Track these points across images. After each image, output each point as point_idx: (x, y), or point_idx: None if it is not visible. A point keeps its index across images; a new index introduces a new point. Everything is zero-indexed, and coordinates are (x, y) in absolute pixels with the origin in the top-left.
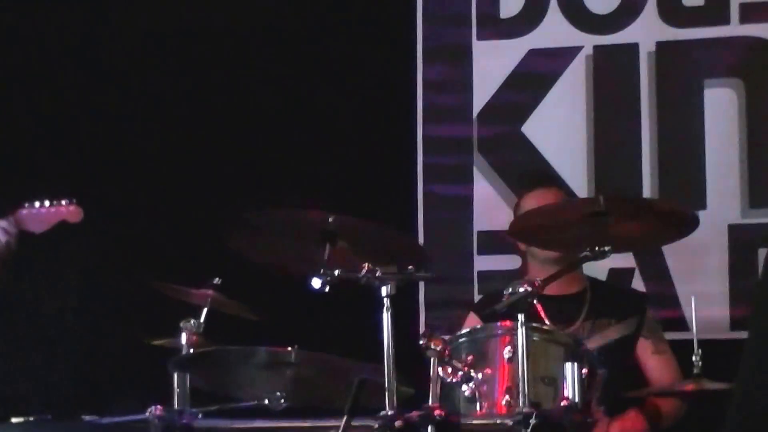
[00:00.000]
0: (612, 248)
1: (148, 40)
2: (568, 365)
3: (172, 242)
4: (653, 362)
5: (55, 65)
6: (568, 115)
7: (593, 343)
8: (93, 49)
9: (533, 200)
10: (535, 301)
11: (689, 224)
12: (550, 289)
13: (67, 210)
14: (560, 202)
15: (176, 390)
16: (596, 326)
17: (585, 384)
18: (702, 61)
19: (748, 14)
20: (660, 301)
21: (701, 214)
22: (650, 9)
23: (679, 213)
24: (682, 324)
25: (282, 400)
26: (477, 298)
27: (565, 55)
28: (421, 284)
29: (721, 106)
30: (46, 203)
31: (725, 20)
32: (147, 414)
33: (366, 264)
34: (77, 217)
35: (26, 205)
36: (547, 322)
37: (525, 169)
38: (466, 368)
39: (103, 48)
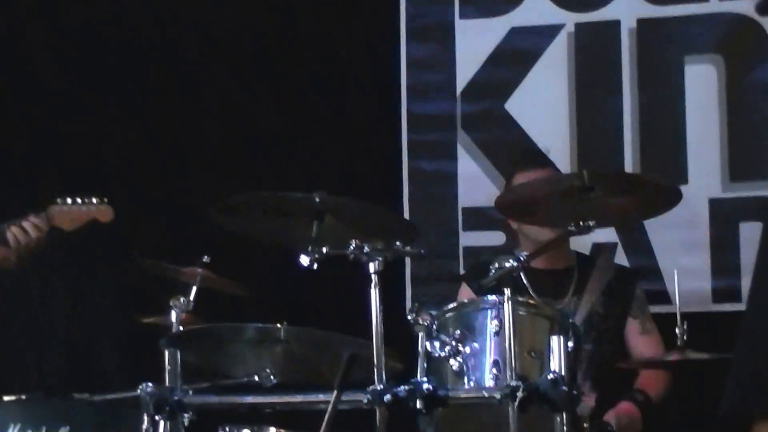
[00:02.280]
0: (596, 223)
1: (138, 28)
2: (554, 338)
3: (161, 221)
4: (640, 342)
5: (46, 51)
6: (550, 92)
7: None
8: (80, 34)
9: (526, 179)
10: (522, 276)
11: (672, 198)
12: (539, 264)
13: (98, 209)
14: (545, 177)
15: (167, 367)
16: (583, 302)
17: (571, 357)
18: (683, 38)
19: None
20: (643, 275)
21: (683, 188)
22: None
23: (662, 187)
24: (664, 297)
25: (272, 376)
26: (463, 272)
27: (547, 32)
28: (407, 260)
29: (701, 82)
30: (78, 200)
31: None
32: (138, 391)
33: (354, 240)
34: (108, 216)
35: (58, 201)
36: (534, 296)
37: (520, 149)
38: (453, 342)
39: (91, 33)
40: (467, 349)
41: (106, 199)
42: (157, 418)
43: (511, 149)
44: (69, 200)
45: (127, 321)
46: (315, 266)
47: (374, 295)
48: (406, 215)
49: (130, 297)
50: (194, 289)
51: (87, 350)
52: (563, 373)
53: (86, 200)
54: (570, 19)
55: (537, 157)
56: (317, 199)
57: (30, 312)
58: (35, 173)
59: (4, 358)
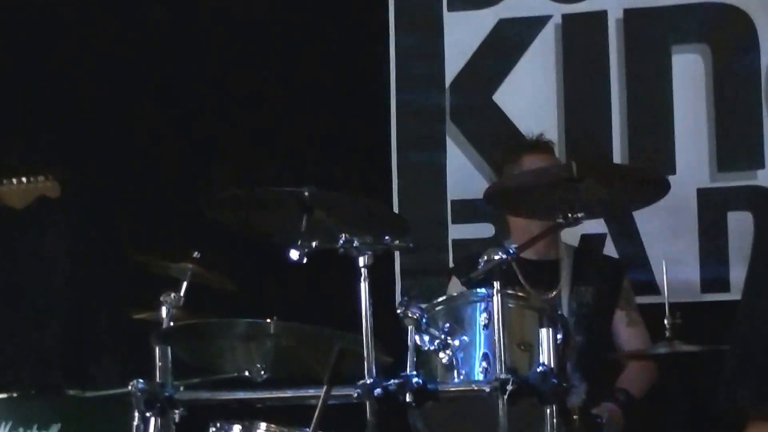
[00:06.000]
0: (585, 214)
1: (131, 19)
2: (543, 331)
3: (152, 216)
4: (627, 334)
5: (38, 39)
6: (538, 83)
7: None
8: (74, 26)
9: (528, 164)
10: (514, 266)
11: (660, 189)
12: (530, 254)
13: (44, 185)
14: (532, 169)
15: (158, 363)
16: (573, 294)
17: (560, 349)
18: (670, 27)
19: None
20: (632, 266)
21: (671, 178)
22: None
23: (650, 178)
24: (653, 288)
25: (263, 371)
26: (452, 266)
27: (535, 23)
28: (397, 253)
29: (688, 72)
30: (24, 179)
31: None
32: (130, 387)
33: (343, 234)
34: (55, 191)
35: (4, 181)
36: (525, 286)
37: (520, 138)
38: (443, 336)
39: (84, 25)
40: (457, 343)
41: (51, 176)
42: (148, 414)
43: (499, 140)
44: (14, 180)
45: (118, 317)
46: (305, 260)
47: (364, 288)
48: (395, 208)
49: (121, 293)
50: (184, 284)
51: (79, 347)
52: (552, 365)
53: (32, 178)
54: (557, 9)
55: (544, 143)
56: (306, 194)
57: (25, 308)
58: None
59: None
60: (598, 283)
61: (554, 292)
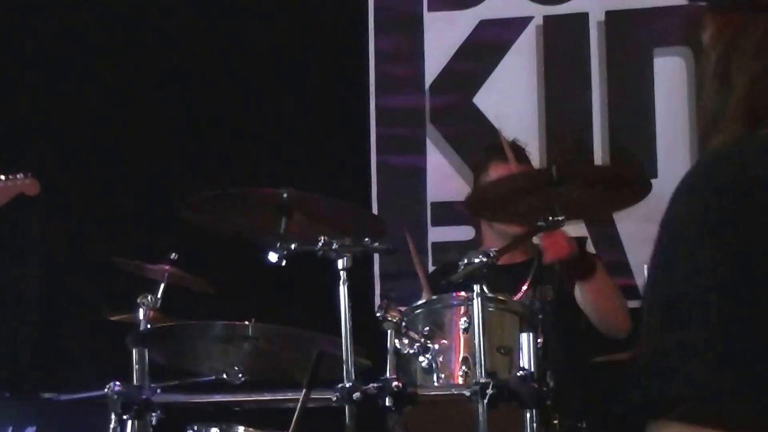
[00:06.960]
0: (565, 217)
1: (109, 20)
2: (523, 335)
3: (128, 218)
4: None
5: (12, 42)
6: (519, 86)
7: None
8: (49, 29)
9: (498, 171)
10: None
11: (641, 190)
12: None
13: (23, 183)
14: (513, 174)
15: (135, 365)
16: (538, 294)
17: (540, 353)
18: (651, 30)
19: None
20: (612, 269)
21: (653, 182)
22: None
23: (630, 178)
24: (634, 292)
25: (240, 374)
26: (432, 269)
27: (516, 25)
28: (376, 256)
29: (670, 75)
30: (2, 177)
31: None
32: (106, 390)
33: (322, 237)
34: (34, 189)
35: None
36: (487, 292)
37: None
38: (422, 339)
39: (58, 27)
40: (436, 346)
41: (30, 173)
42: (124, 417)
43: (479, 143)
44: None
45: (94, 319)
46: (283, 263)
47: (343, 291)
48: (375, 210)
49: (97, 294)
50: (162, 286)
51: (55, 349)
52: (532, 369)
53: (11, 176)
54: (538, 11)
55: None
56: (285, 195)
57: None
58: None
59: None
60: (561, 281)
61: (518, 295)
